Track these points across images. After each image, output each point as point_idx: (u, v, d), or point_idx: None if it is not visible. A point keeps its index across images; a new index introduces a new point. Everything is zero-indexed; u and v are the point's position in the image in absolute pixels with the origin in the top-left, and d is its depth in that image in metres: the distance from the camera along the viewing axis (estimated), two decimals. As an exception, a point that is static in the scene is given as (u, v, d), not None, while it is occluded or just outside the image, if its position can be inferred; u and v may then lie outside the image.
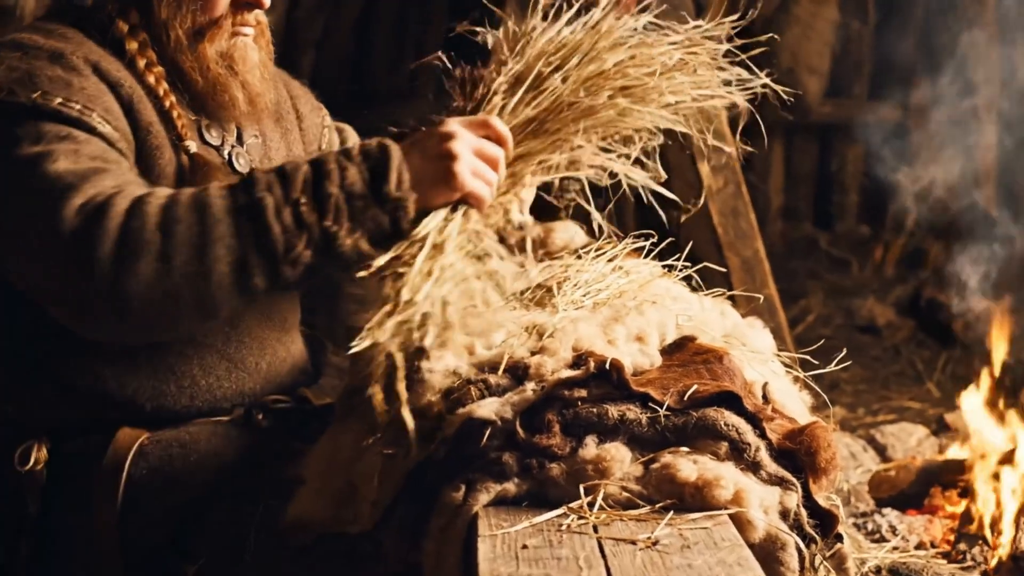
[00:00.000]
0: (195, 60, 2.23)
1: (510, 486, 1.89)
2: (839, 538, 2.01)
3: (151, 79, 2.21)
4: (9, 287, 2.14)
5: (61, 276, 1.93)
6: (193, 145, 2.22)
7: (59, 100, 2.07)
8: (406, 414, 1.83)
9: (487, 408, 1.95)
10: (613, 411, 1.95)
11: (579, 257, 2.45)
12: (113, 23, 2.21)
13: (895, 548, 3.08)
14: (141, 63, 2.21)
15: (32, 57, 2.11)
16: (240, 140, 2.36)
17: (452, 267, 1.90)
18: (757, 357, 2.22)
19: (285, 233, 1.91)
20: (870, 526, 3.22)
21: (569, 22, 2.21)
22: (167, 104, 2.21)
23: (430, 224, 1.96)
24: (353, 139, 2.72)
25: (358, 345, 1.84)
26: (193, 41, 2.23)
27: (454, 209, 1.99)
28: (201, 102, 2.27)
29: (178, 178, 2.19)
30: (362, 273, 1.90)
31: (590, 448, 1.91)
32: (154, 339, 2.15)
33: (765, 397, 2.12)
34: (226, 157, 2.32)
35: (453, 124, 2.01)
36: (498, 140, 2.04)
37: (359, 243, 1.93)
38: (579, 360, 2.02)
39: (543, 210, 2.71)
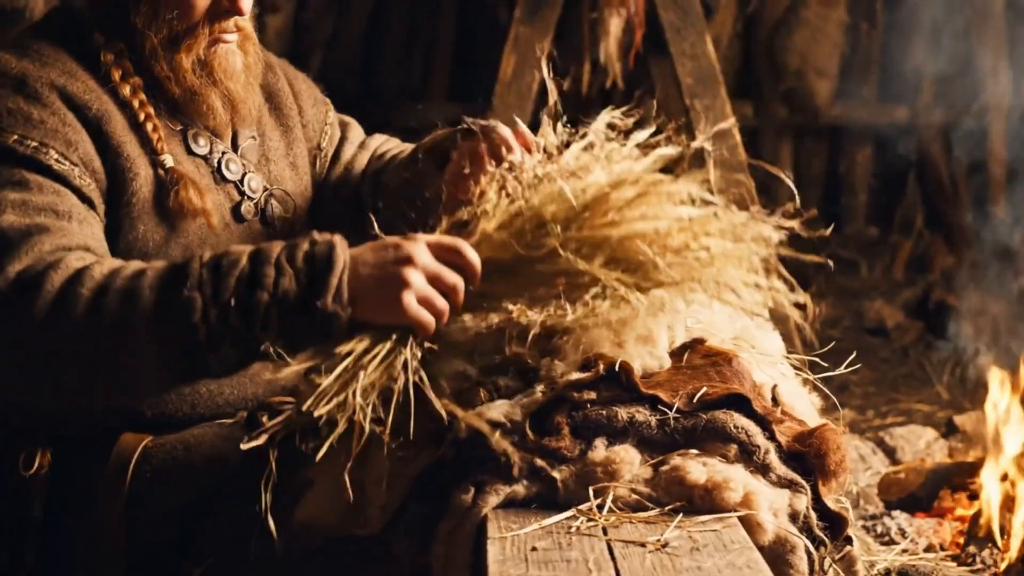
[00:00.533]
0: (171, 69, 2.19)
1: (519, 488, 1.89)
2: (849, 541, 2.01)
3: (126, 91, 2.18)
4: None
5: None
6: (169, 159, 2.18)
7: (15, 137, 2.05)
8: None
9: (496, 410, 1.95)
10: (622, 413, 1.95)
11: None
12: (91, 34, 2.20)
13: (904, 551, 3.07)
14: (116, 74, 2.18)
15: None
16: (235, 144, 2.33)
17: (370, 386, 1.84)
18: (766, 359, 2.22)
19: (209, 335, 1.86)
20: (879, 529, 3.22)
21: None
22: (142, 117, 2.18)
23: (358, 345, 1.87)
24: (356, 134, 2.66)
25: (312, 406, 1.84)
26: (169, 50, 2.19)
27: (397, 329, 1.90)
28: (181, 110, 2.25)
29: (155, 195, 2.16)
30: (282, 372, 1.85)
31: (599, 450, 1.91)
32: (73, 409, 2.15)
33: (774, 399, 2.12)
34: (215, 165, 2.28)
35: (416, 247, 1.89)
36: (465, 269, 1.92)
37: (284, 347, 1.86)
38: (588, 362, 2.02)
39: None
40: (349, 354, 1.85)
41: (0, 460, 2.20)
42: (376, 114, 6.57)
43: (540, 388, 1.99)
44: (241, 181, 2.32)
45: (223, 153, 2.30)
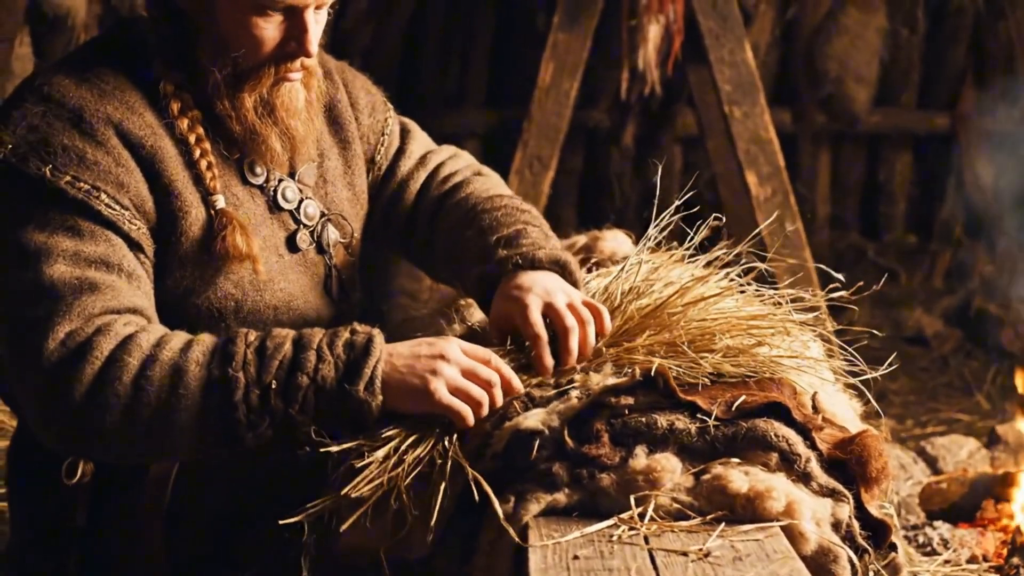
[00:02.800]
0: (232, 108, 2.16)
1: (560, 496, 1.88)
2: (893, 547, 1.99)
3: (184, 125, 2.15)
4: None
5: (32, 393, 2.00)
6: (221, 200, 2.17)
7: (67, 179, 2.05)
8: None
9: (533, 418, 1.95)
10: (662, 420, 1.94)
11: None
12: (152, 61, 2.17)
13: (947, 561, 3.04)
14: (175, 107, 2.15)
15: (53, 116, 2.08)
16: (292, 168, 2.30)
17: (405, 479, 1.91)
18: (806, 366, 2.20)
19: (249, 414, 1.96)
20: (921, 539, 3.19)
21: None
22: (197, 154, 2.16)
23: (398, 433, 1.97)
24: (417, 146, 2.59)
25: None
26: (232, 87, 2.15)
27: (438, 423, 1.99)
28: (239, 146, 2.22)
29: (205, 235, 2.16)
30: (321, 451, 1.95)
31: (640, 458, 1.90)
32: (107, 462, 2.18)
33: (815, 406, 2.10)
34: (271, 194, 2.27)
35: (449, 345, 2.02)
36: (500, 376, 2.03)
37: (319, 431, 1.96)
38: (624, 368, 2.02)
39: (592, 216, 2.70)
40: (390, 440, 1.95)
41: (44, 469, 2.21)
42: (414, 120, 6.59)
43: (575, 395, 1.99)
44: (297, 209, 2.30)
45: (280, 181, 2.28)
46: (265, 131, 2.18)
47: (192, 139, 2.16)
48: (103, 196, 2.06)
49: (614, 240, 2.87)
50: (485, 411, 1.99)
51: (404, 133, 2.59)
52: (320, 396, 1.96)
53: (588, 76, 5.14)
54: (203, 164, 2.16)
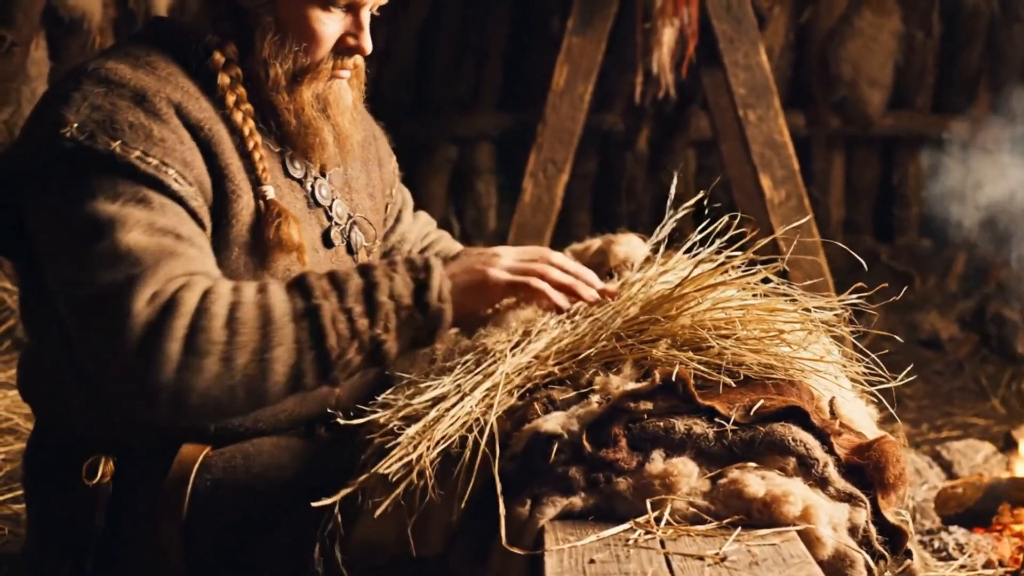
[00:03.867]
0: (291, 101, 2.22)
1: (576, 500, 1.88)
2: (909, 554, 1.99)
3: (238, 117, 2.19)
4: None
5: (120, 362, 1.95)
6: (270, 191, 2.20)
7: (137, 153, 2.05)
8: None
9: (553, 422, 1.94)
10: (680, 425, 1.93)
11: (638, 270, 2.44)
12: (209, 55, 2.19)
13: (962, 567, 3.03)
14: (231, 99, 2.19)
15: (116, 96, 2.09)
16: (322, 170, 2.34)
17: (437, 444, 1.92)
18: (823, 371, 2.19)
19: (339, 340, 2.00)
20: (936, 544, 3.18)
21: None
22: (251, 145, 2.19)
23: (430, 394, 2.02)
24: (410, 204, 2.76)
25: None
26: (291, 82, 2.21)
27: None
28: (290, 141, 2.27)
29: (253, 223, 2.18)
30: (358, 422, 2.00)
31: (657, 463, 1.90)
32: (199, 424, 2.20)
33: (832, 411, 2.10)
34: (309, 190, 2.31)
35: (496, 248, 2.20)
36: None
37: (401, 349, 2.05)
38: (644, 372, 2.01)
39: (605, 220, 2.71)
40: (424, 414, 1.98)
41: (62, 471, 2.22)
42: (427, 124, 6.59)
43: (596, 399, 1.99)
44: (330, 207, 2.35)
45: (315, 178, 2.33)
46: (319, 124, 2.25)
47: (246, 131, 2.20)
48: (171, 171, 2.07)
49: (628, 244, 2.86)
50: (555, 295, 2.17)
51: (403, 190, 2.74)
52: (399, 312, 2.04)
53: (602, 80, 5.14)
54: (256, 156, 2.20)
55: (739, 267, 2.16)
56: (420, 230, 2.77)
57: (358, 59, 2.30)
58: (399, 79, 6.53)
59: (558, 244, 3.46)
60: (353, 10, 2.22)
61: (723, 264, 2.16)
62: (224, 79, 2.19)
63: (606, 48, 4.84)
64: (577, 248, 2.90)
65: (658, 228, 2.36)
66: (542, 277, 2.17)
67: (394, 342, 2.04)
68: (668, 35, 4.85)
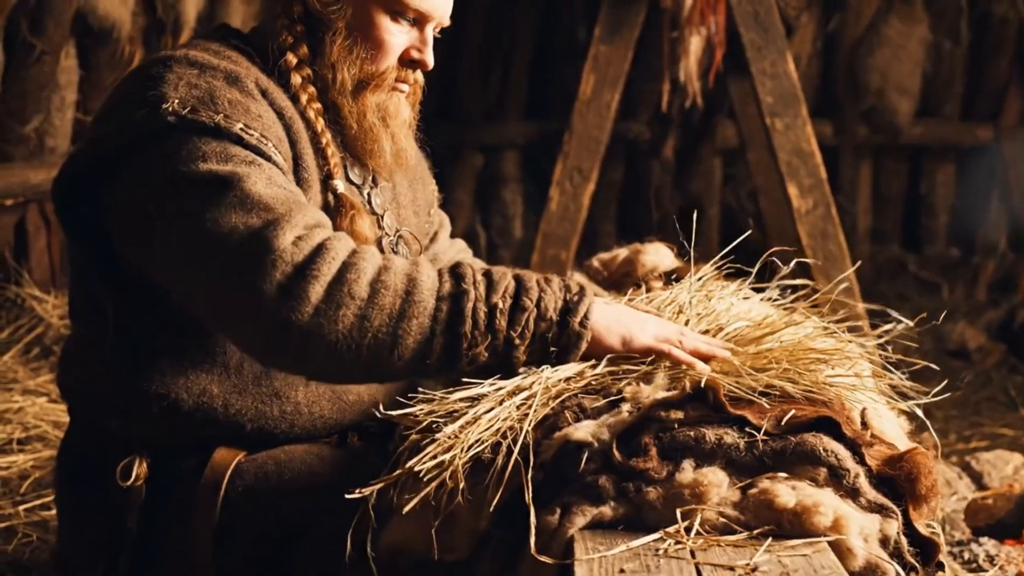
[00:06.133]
0: (354, 106, 2.27)
1: (606, 509, 1.88)
2: (940, 567, 1.97)
3: (311, 113, 2.24)
4: (124, 306, 2.18)
5: (261, 300, 1.95)
6: (340, 185, 2.25)
7: (240, 125, 2.09)
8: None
9: (583, 430, 1.94)
10: (711, 435, 1.93)
11: (667, 283, 2.44)
12: (282, 54, 2.24)
13: (993, 578, 3.02)
14: (304, 97, 2.24)
15: (210, 76, 2.13)
16: (375, 180, 2.39)
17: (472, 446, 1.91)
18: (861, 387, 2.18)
19: (475, 329, 2.01)
20: (966, 555, 3.16)
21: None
22: (324, 141, 2.24)
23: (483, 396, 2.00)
24: (447, 227, 2.78)
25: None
26: (356, 88, 2.26)
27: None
28: (350, 146, 2.31)
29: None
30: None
31: (687, 472, 1.89)
32: (317, 380, 2.22)
33: (864, 422, 2.09)
34: (365, 197, 2.35)
35: (651, 315, 2.17)
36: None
37: (528, 361, 2.05)
38: (675, 381, 2.01)
39: (631, 228, 2.72)
40: (462, 413, 1.97)
41: (95, 473, 2.23)
42: (454, 133, 6.61)
43: (626, 408, 1.98)
44: (382, 217, 2.39)
45: (371, 187, 2.37)
46: (378, 132, 2.29)
47: (318, 127, 2.24)
48: (270, 144, 2.12)
49: (656, 254, 2.86)
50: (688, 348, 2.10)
51: (440, 214, 2.76)
52: (539, 324, 2.04)
53: (629, 88, 5.14)
54: (328, 151, 2.24)
55: (804, 309, 2.26)
56: (454, 255, 2.79)
57: (419, 75, 2.36)
58: (425, 87, 6.54)
59: (584, 253, 3.45)
60: (419, 25, 2.29)
61: (791, 307, 2.27)
62: (296, 78, 2.24)
63: (633, 57, 4.85)
64: (604, 257, 2.90)
65: (708, 265, 2.39)
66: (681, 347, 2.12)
67: (525, 350, 2.04)
68: (695, 44, 4.84)
